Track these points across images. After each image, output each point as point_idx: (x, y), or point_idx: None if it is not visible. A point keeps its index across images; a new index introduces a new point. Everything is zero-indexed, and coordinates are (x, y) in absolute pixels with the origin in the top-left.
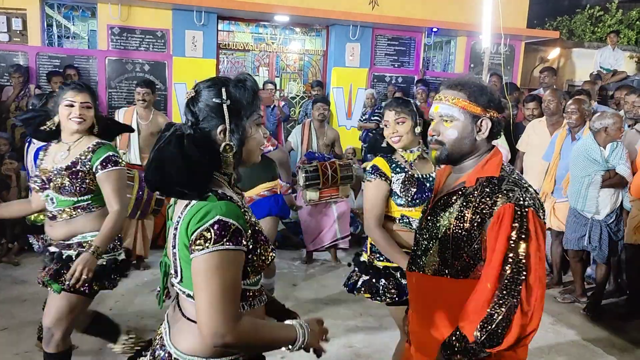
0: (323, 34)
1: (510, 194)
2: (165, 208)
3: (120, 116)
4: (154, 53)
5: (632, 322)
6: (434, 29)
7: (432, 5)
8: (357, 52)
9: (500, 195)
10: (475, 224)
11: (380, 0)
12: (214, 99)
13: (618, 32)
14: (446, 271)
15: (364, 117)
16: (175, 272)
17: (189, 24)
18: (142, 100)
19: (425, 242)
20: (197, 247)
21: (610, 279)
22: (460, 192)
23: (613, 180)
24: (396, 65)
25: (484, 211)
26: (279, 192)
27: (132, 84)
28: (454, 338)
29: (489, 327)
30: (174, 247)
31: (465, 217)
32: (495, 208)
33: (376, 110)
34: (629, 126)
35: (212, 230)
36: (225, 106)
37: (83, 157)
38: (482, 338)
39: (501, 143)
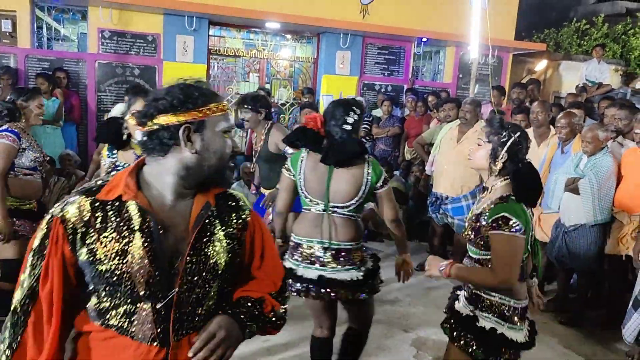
0: (314, 41)
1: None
2: None
3: None
4: (144, 57)
5: (613, 331)
6: (424, 39)
7: (422, 16)
8: (348, 60)
9: (241, 207)
10: (237, 241)
11: (371, 9)
12: None
13: (604, 45)
14: (227, 307)
15: None
16: None
17: (180, 29)
18: None
19: (198, 290)
20: None
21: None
22: (212, 216)
23: (570, 187)
24: (386, 74)
25: (238, 226)
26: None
27: (122, 87)
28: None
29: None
30: None
31: (234, 237)
32: (246, 219)
33: (365, 118)
34: (611, 139)
35: None
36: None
37: None
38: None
39: None
